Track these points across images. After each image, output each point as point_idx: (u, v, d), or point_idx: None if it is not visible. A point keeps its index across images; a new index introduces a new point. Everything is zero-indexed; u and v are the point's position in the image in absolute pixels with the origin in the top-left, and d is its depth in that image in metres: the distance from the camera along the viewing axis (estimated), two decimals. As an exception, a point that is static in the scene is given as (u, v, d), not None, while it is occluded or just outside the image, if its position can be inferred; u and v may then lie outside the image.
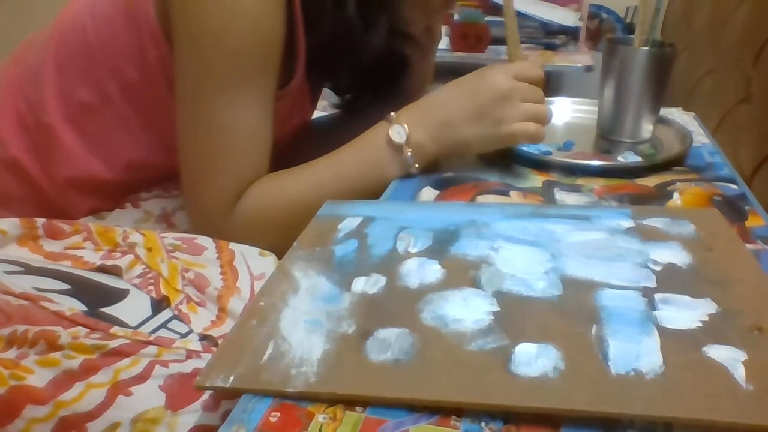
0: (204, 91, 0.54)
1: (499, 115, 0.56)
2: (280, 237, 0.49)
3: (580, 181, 0.58)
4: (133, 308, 0.45)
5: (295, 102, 0.66)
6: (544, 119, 0.59)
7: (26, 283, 0.44)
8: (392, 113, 0.59)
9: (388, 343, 0.33)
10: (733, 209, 0.51)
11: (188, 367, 0.41)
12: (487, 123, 0.57)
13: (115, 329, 0.42)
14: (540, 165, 0.61)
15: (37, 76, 0.61)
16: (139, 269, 0.48)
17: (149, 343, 0.41)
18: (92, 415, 0.38)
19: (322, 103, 0.81)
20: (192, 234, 0.55)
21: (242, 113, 0.55)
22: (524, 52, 0.68)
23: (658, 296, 0.37)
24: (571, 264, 0.40)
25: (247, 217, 0.56)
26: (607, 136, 0.68)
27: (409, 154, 0.58)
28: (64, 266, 0.48)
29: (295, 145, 0.72)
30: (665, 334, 0.33)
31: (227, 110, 0.54)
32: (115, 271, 0.48)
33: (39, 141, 0.61)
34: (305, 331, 0.35)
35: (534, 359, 0.31)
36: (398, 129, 0.57)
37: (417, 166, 0.59)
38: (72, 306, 0.43)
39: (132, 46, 0.58)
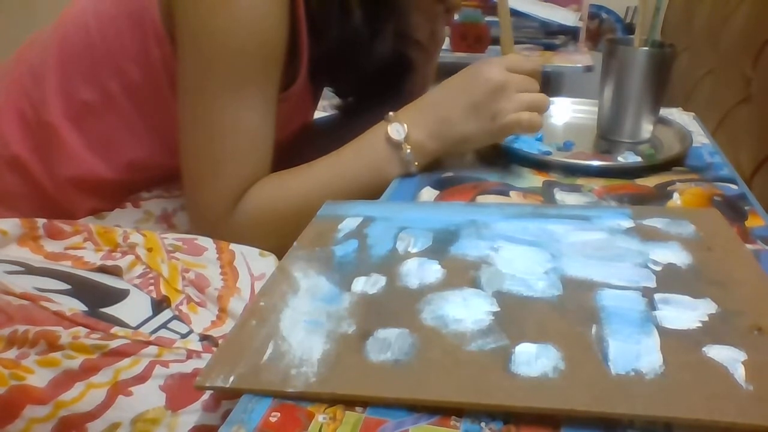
0: (206, 92, 0.54)
1: (495, 108, 0.56)
2: (280, 237, 0.49)
3: (580, 181, 0.58)
4: (133, 308, 0.45)
5: (297, 104, 0.66)
6: (542, 107, 0.58)
7: (27, 283, 0.44)
8: (390, 113, 0.59)
9: (388, 343, 0.33)
10: (733, 209, 0.51)
11: (188, 367, 0.41)
12: (483, 117, 0.57)
13: (115, 329, 0.42)
14: (540, 165, 0.61)
15: (39, 75, 0.61)
16: (139, 269, 0.48)
17: (149, 343, 0.41)
18: (92, 415, 0.38)
19: (322, 103, 0.81)
20: (192, 235, 0.55)
21: (244, 114, 0.55)
22: (523, 52, 0.68)
23: (657, 296, 0.37)
24: (571, 264, 0.40)
25: (247, 217, 0.56)
26: (607, 137, 0.68)
27: (408, 151, 0.58)
28: (65, 266, 0.48)
29: (296, 146, 0.72)
30: (665, 334, 0.33)
31: (229, 111, 0.54)
32: (115, 272, 0.48)
33: (41, 140, 0.61)
34: (305, 332, 0.35)
35: (534, 359, 0.32)
36: (397, 127, 0.58)
37: (417, 164, 0.59)
38: (72, 306, 0.43)
39: (135, 45, 0.58)
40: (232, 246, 0.53)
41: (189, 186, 0.58)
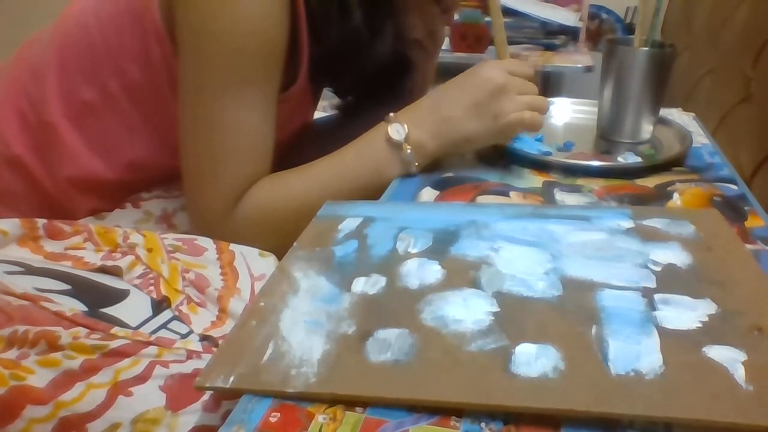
0: (206, 92, 0.54)
1: (496, 108, 0.57)
2: (280, 237, 0.49)
3: (580, 181, 0.58)
4: (133, 309, 0.45)
5: (297, 104, 0.66)
6: (542, 109, 0.59)
7: (27, 284, 0.44)
8: (391, 114, 0.59)
9: (388, 343, 0.33)
10: (733, 209, 0.51)
11: (189, 367, 0.41)
12: (485, 117, 0.57)
13: (115, 330, 0.42)
14: (540, 165, 0.61)
15: (39, 74, 0.61)
16: (139, 270, 0.48)
17: (149, 343, 0.41)
18: (93, 415, 0.38)
19: (322, 103, 0.81)
20: (192, 235, 0.55)
21: (244, 114, 0.55)
22: (522, 53, 0.69)
23: (657, 296, 0.37)
24: (571, 264, 0.40)
25: (247, 217, 0.56)
26: (606, 137, 0.68)
27: (409, 151, 0.58)
28: (65, 267, 0.48)
29: (297, 146, 0.72)
30: (665, 334, 0.33)
31: (229, 111, 0.54)
32: (115, 272, 0.48)
33: (41, 139, 0.61)
34: (305, 332, 0.35)
35: (534, 359, 0.32)
36: (397, 127, 0.58)
37: (417, 164, 0.59)
38: (72, 306, 0.43)
39: (136, 45, 0.58)
40: (232, 246, 0.53)
41: (189, 186, 0.58)
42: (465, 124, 0.58)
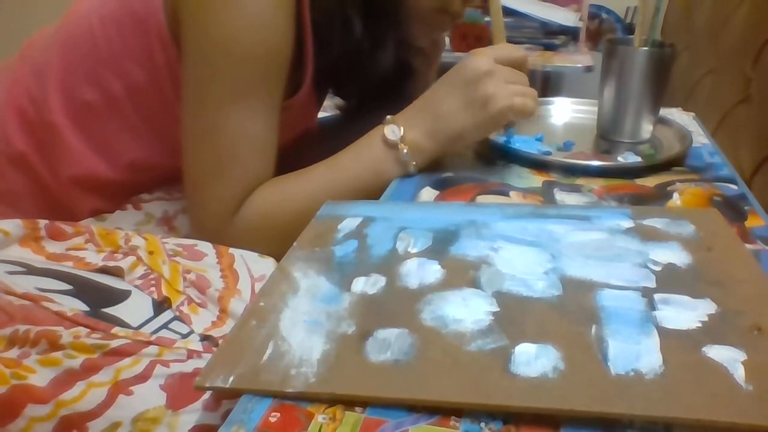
0: (209, 99, 0.54)
1: (484, 95, 0.56)
2: (281, 242, 0.48)
3: (579, 181, 0.58)
4: (134, 309, 0.45)
5: (301, 111, 0.66)
6: (532, 98, 0.57)
7: (28, 284, 0.44)
8: (388, 116, 0.59)
9: (388, 343, 0.33)
10: (733, 209, 0.51)
11: (189, 366, 0.41)
12: (474, 107, 0.57)
13: (116, 329, 0.42)
14: (540, 165, 0.61)
15: (42, 74, 0.61)
16: (140, 270, 0.49)
17: (150, 343, 0.41)
18: (93, 414, 0.39)
19: (324, 103, 0.81)
20: (192, 240, 0.54)
21: (247, 122, 0.55)
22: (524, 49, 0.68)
23: (657, 296, 0.37)
24: (570, 264, 0.40)
25: (248, 223, 0.57)
26: (606, 137, 0.69)
27: (405, 151, 0.58)
28: (66, 267, 0.48)
29: (299, 150, 0.72)
30: (665, 334, 0.33)
31: (232, 118, 0.54)
32: (116, 272, 0.48)
33: (43, 138, 0.61)
34: (305, 332, 0.35)
35: (534, 359, 0.32)
36: (393, 128, 0.58)
37: (414, 164, 0.59)
38: (73, 306, 0.43)
39: (139, 48, 0.58)
40: (232, 250, 0.53)
41: (190, 191, 0.58)
42: (456, 119, 0.57)
